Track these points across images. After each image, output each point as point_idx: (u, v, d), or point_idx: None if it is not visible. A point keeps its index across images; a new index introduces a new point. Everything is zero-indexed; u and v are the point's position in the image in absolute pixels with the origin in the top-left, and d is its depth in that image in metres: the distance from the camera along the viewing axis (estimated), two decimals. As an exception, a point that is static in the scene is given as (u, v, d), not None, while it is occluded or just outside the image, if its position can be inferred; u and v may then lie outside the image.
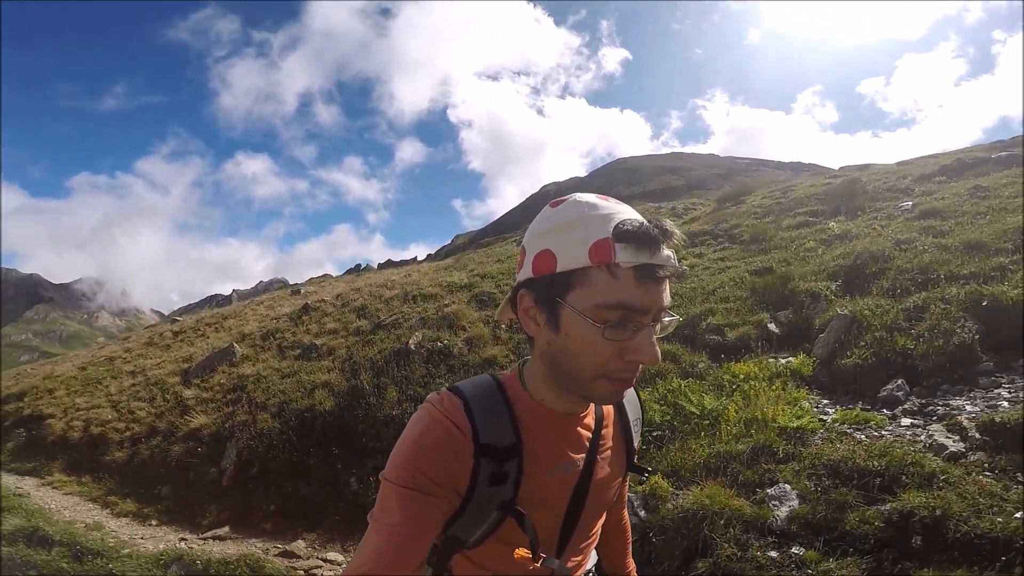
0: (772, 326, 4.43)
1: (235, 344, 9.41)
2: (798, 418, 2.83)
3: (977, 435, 2.48)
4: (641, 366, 0.78)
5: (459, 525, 0.85)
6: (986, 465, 2.32)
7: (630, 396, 1.04)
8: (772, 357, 4.07)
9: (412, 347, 6.69)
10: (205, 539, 5.24)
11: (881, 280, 4.48)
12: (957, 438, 2.53)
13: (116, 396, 9.53)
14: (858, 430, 2.81)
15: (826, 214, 8.05)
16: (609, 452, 0.97)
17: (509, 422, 0.84)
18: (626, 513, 1.23)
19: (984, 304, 3.53)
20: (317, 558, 4.38)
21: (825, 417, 3.00)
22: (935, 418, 2.81)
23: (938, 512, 2.01)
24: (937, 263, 4.38)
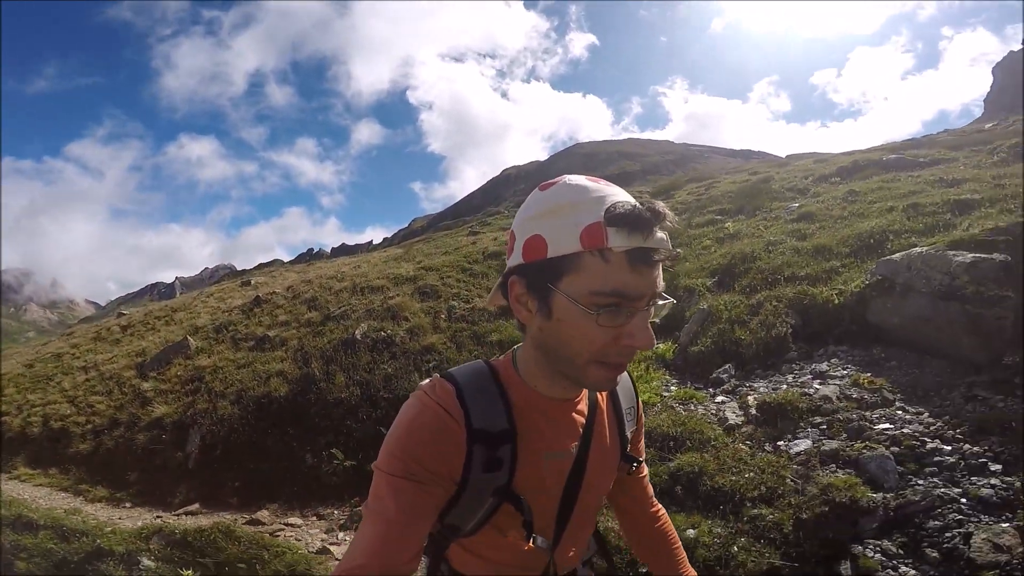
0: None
1: (188, 337, 9.95)
2: (643, 394, 3.81)
3: (755, 411, 3.51)
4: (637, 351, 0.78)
5: (455, 513, 0.85)
6: (749, 435, 3.34)
7: (624, 384, 1.04)
8: (649, 344, 5.11)
9: (358, 337, 7.51)
10: (179, 515, 5.92)
11: (743, 279, 5.56)
12: (741, 413, 3.56)
13: (71, 391, 9.95)
14: (682, 404, 3.82)
15: (731, 213, 9.23)
16: (604, 440, 0.97)
17: (502, 407, 0.84)
18: (663, 511, 1.20)
19: (805, 302, 4.63)
20: (280, 523, 5.20)
21: (666, 394, 4.01)
22: (738, 397, 3.84)
23: (696, 469, 3.01)
24: (787, 264, 5.47)
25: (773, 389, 3.78)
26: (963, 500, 2.55)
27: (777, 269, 5.41)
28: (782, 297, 4.75)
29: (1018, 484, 2.50)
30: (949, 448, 2.82)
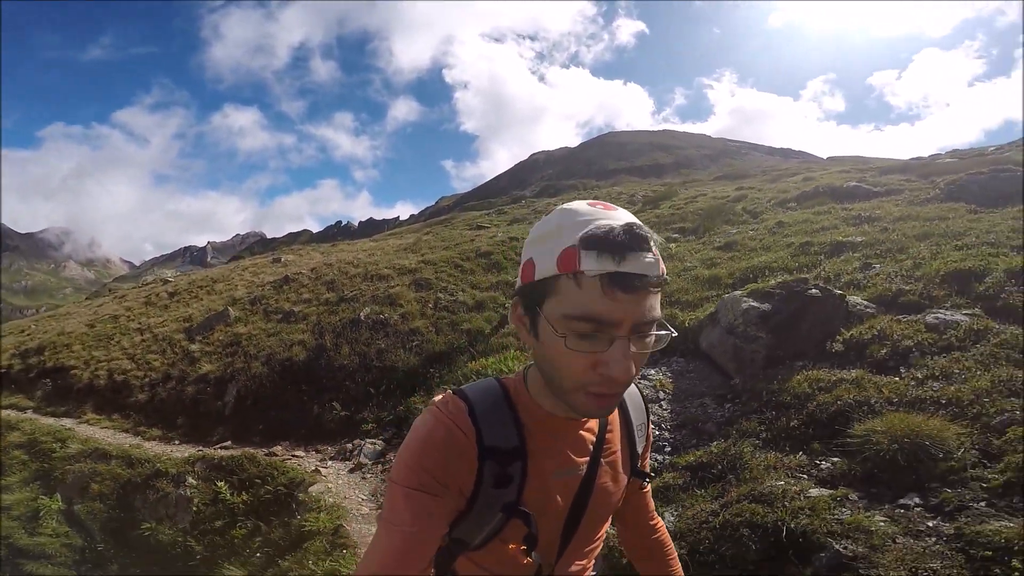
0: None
1: (229, 308, 12.21)
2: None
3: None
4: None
5: (463, 527, 0.91)
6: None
7: (635, 400, 1.11)
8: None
9: (362, 317, 9.59)
10: (216, 448, 8.07)
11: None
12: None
13: (130, 350, 12.18)
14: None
15: (687, 232, 10.86)
16: (614, 456, 1.03)
17: (513, 425, 0.90)
18: (661, 523, 1.28)
19: (670, 323, 6.36)
20: (289, 455, 7.24)
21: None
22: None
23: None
24: (680, 291, 6.96)
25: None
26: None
27: (671, 294, 7.10)
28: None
29: (668, 461, 3.78)
30: (656, 433, 4.18)
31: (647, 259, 0.74)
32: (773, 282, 5.58)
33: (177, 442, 8.65)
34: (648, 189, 21.95)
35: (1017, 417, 3.31)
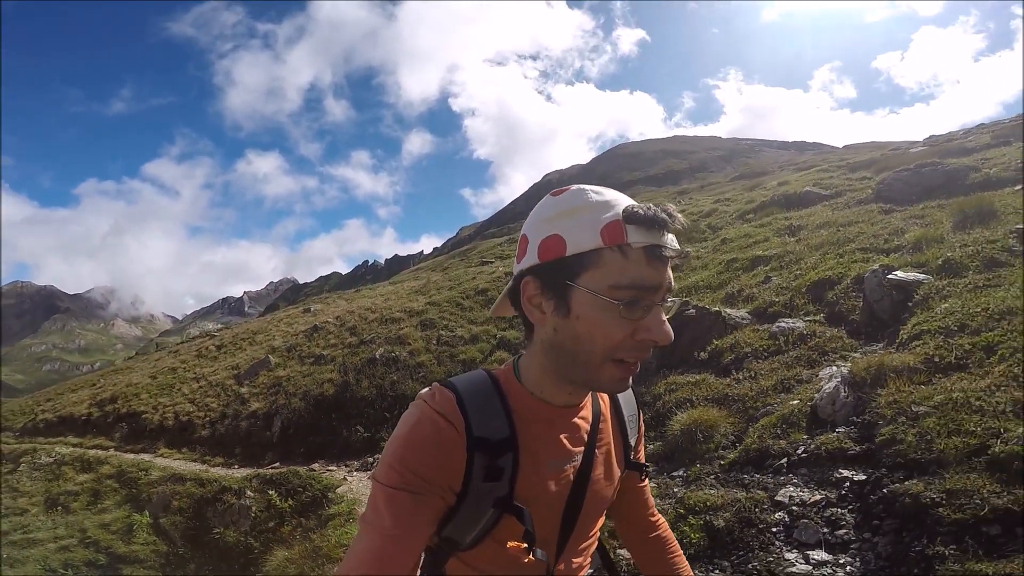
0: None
1: (270, 356, 14.40)
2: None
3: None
4: (652, 348, 0.83)
5: (453, 525, 0.88)
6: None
7: (625, 392, 1.02)
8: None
9: (378, 356, 11.61)
10: (267, 468, 10.02)
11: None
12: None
13: (190, 395, 14.42)
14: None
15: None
16: (608, 447, 1.02)
17: (503, 415, 0.88)
18: (663, 520, 1.26)
19: None
20: (324, 469, 9.20)
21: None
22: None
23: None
24: None
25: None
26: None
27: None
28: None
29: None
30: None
31: (673, 235, 0.82)
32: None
33: (236, 466, 10.58)
34: (662, 199, 23.31)
35: (774, 410, 4.21)
